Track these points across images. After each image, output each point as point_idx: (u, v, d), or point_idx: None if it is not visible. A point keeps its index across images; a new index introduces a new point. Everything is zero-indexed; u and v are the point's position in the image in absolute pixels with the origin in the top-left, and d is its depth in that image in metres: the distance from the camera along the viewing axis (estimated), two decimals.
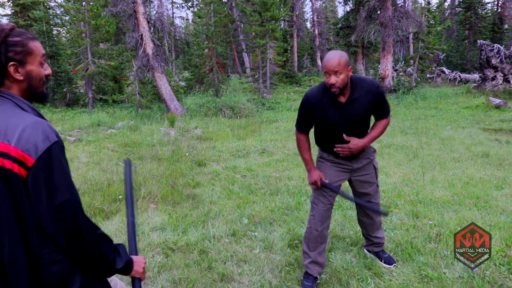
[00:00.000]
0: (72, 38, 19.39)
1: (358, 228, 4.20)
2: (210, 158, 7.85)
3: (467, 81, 22.37)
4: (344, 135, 2.94)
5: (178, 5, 52.70)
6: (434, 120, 12.25)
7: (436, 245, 3.75)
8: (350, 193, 3.38)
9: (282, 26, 32.66)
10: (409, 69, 25.23)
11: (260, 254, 3.72)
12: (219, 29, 25.28)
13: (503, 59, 18.03)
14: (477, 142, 8.55)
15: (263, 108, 17.40)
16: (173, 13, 53.57)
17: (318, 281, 3.22)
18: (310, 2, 40.80)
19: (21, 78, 1.38)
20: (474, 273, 3.21)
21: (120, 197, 5.36)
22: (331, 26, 39.86)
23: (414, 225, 4.26)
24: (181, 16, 58.39)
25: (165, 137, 10.24)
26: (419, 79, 21.90)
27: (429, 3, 24.75)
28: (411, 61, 23.74)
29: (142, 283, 1.63)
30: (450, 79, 23.60)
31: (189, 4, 47.73)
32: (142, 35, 14.95)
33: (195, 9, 33.81)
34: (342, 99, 2.90)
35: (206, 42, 23.43)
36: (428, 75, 23.77)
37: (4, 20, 33.50)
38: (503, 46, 20.93)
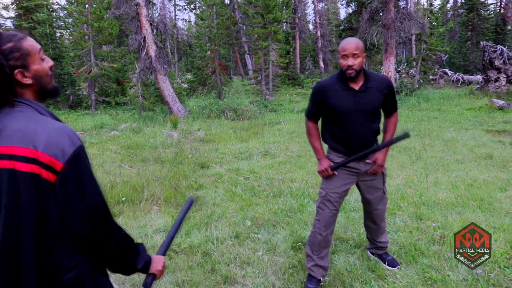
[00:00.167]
0: (75, 40, 19.46)
1: (362, 230, 4.19)
2: (213, 160, 7.86)
3: (470, 83, 22.32)
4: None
5: (181, 8, 52.79)
6: (437, 121, 12.22)
7: (440, 247, 3.74)
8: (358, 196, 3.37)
9: (284, 28, 32.72)
10: (411, 70, 25.20)
11: (264, 256, 3.72)
12: (222, 31, 25.33)
13: (506, 60, 17.98)
14: (481, 144, 8.53)
15: (266, 110, 17.41)
16: (175, 15, 53.63)
17: (321, 284, 3.21)
18: (313, 4, 40.81)
19: (30, 81, 1.37)
20: (478, 276, 3.20)
21: (123, 199, 5.36)
22: (333, 28, 39.85)
23: (417, 227, 4.25)
24: (183, 19, 58.60)
25: (168, 139, 10.25)
26: (421, 81, 21.86)
27: (431, 4, 24.75)
28: (414, 63, 23.69)
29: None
30: (453, 81, 23.56)
31: (192, 6, 47.83)
32: (145, 37, 14.98)
33: (198, 11, 33.88)
34: (355, 87, 2.93)
35: (209, 44, 23.48)
36: (430, 77, 23.73)
37: (8, 23, 33.62)
38: (506, 47, 20.87)
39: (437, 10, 27.47)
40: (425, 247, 3.76)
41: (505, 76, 17.89)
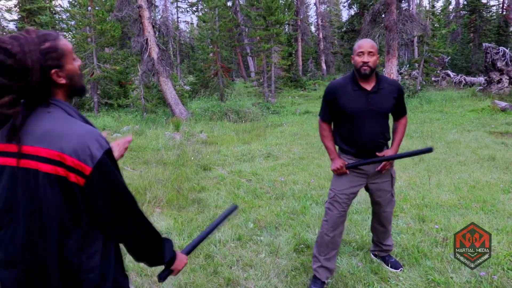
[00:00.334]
0: (78, 42, 19.48)
1: (364, 232, 4.19)
2: (215, 163, 7.86)
3: (472, 84, 22.27)
4: (377, 153, 3.00)
5: (183, 10, 52.85)
6: (439, 123, 12.20)
7: (443, 250, 3.73)
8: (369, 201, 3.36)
9: (286, 30, 32.76)
10: (414, 72, 25.16)
11: (266, 259, 3.71)
12: (224, 33, 25.38)
13: (509, 62, 17.94)
14: (483, 146, 8.51)
15: (268, 112, 17.41)
16: (178, 17, 53.75)
17: (325, 286, 3.21)
18: (315, 6, 40.85)
19: (64, 81, 1.38)
20: (482, 278, 3.19)
21: None
22: (335, 30, 39.97)
23: (420, 229, 4.24)
24: (186, 21, 58.70)
25: (170, 141, 10.26)
26: (424, 83, 21.84)
27: (433, 6, 24.76)
28: (416, 65, 23.68)
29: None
30: (455, 82, 23.52)
31: (194, 8, 47.91)
32: (147, 39, 15.01)
33: (200, 14, 33.96)
34: (367, 87, 2.96)
35: (211, 46, 23.51)
36: (433, 79, 23.69)
37: (11, 26, 33.74)
38: (509, 48, 20.81)
39: (439, 11, 27.42)
40: (428, 249, 3.76)
41: (508, 78, 17.85)
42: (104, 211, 1.33)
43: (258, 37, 22.60)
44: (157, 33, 15.83)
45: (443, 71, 25.02)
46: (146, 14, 14.92)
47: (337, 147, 3.23)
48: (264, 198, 5.60)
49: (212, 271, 3.51)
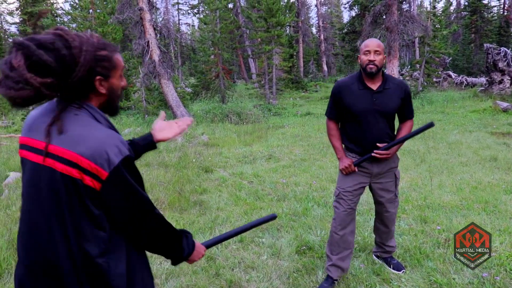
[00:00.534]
0: None
1: (366, 233, 4.19)
2: (217, 164, 7.86)
3: (473, 85, 22.24)
4: (378, 144, 2.97)
5: (184, 12, 52.99)
6: (441, 124, 12.19)
7: (445, 251, 3.72)
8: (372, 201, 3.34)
9: (287, 31, 32.75)
10: (415, 73, 25.14)
11: (268, 261, 3.71)
12: (225, 35, 25.40)
13: (510, 62, 17.91)
14: (485, 146, 8.50)
15: (270, 114, 17.41)
16: (179, 19, 53.87)
17: (335, 283, 3.20)
18: (316, 8, 40.90)
19: (104, 91, 1.41)
20: (484, 279, 3.18)
21: None
22: (336, 31, 39.94)
23: (422, 230, 4.24)
24: (187, 23, 58.74)
25: (171, 143, 10.27)
26: (425, 84, 21.82)
27: (434, 7, 24.70)
28: (417, 66, 23.65)
29: None
30: (456, 83, 23.49)
31: (195, 10, 47.99)
32: (148, 42, 15.03)
33: (201, 16, 33.96)
34: (373, 86, 2.97)
35: (212, 48, 23.52)
36: (434, 79, 23.68)
37: (13, 29, 33.85)
38: (510, 49, 20.78)
39: (440, 12, 27.40)
40: (430, 250, 3.75)
41: (509, 78, 17.82)
42: (120, 216, 1.35)
43: (259, 39, 22.61)
44: (158, 35, 15.85)
45: (445, 72, 25.00)
46: (147, 16, 14.94)
47: (343, 146, 3.24)
48: (265, 200, 5.59)
49: (214, 273, 3.51)
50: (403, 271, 3.39)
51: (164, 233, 1.50)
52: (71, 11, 21.17)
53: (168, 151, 9.17)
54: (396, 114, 3.11)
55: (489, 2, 33.84)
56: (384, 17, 19.22)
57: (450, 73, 25.03)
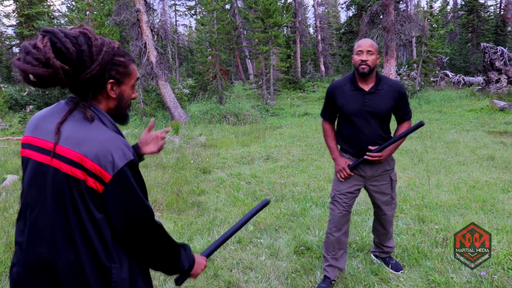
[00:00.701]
0: None
1: (364, 233, 4.19)
2: (215, 165, 7.86)
3: (471, 84, 22.31)
4: (370, 146, 2.96)
5: (181, 13, 53.05)
6: (438, 123, 12.21)
7: (443, 250, 3.73)
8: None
9: (285, 32, 32.81)
10: (412, 73, 25.20)
11: (266, 261, 3.71)
12: (222, 36, 25.40)
13: (507, 61, 17.98)
14: (482, 145, 8.52)
15: (267, 114, 17.41)
16: (176, 21, 53.84)
17: (333, 283, 3.21)
18: (313, 8, 40.92)
19: (114, 96, 1.43)
20: (482, 278, 3.19)
21: None
22: (333, 31, 39.99)
23: (420, 230, 4.24)
24: (184, 24, 58.70)
25: (169, 144, 10.26)
26: (422, 83, 21.87)
27: (431, 7, 24.76)
28: (415, 65, 23.72)
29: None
30: (453, 82, 23.56)
31: (192, 12, 48.02)
32: (145, 43, 15.02)
33: (198, 17, 33.97)
34: (365, 87, 2.95)
35: (210, 49, 23.53)
36: (431, 79, 23.73)
37: (10, 31, 33.81)
38: (507, 48, 20.86)
39: (437, 12, 27.49)
40: (428, 250, 3.76)
41: (506, 77, 17.88)
42: (118, 222, 1.33)
43: (256, 40, 22.63)
44: (155, 36, 15.84)
45: (442, 71, 25.07)
46: (144, 18, 14.94)
47: (338, 146, 3.24)
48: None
49: (212, 274, 3.51)
50: (401, 272, 3.39)
51: (163, 244, 1.47)
52: (68, 13, 21.15)
53: (166, 153, 9.17)
54: (391, 116, 3.10)
55: (485, 2, 33.91)
56: (381, 17, 19.25)
57: (447, 72, 25.10)
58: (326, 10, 52.12)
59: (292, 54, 31.72)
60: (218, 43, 22.80)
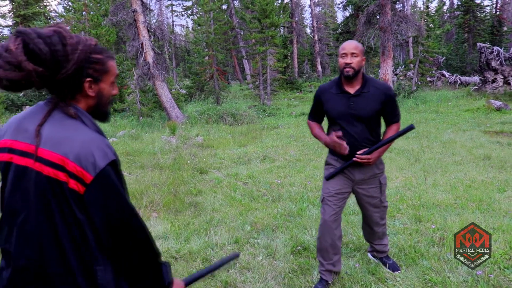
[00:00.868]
0: None
1: (361, 233, 4.19)
2: (212, 166, 7.85)
3: (467, 84, 22.36)
4: (357, 153, 2.91)
5: (178, 14, 52.92)
6: (435, 123, 12.24)
7: (440, 249, 3.74)
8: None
9: (281, 32, 32.84)
10: (409, 73, 25.24)
11: (263, 261, 3.71)
12: (219, 36, 25.40)
13: (503, 61, 18.04)
14: (479, 145, 8.54)
15: (264, 114, 17.42)
16: (173, 21, 53.79)
17: (330, 283, 3.21)
18: (310, 8, 40.95)
19: (92, 94, 1.40)
20: (478, 277, 3.19)
21: None
22: (330, 31, 39.98)
23: (417, 230, 4.25)
24: (181, 24, 58.67)
25: (166, 145, 10.25)
26: (419, 83, 21.91)
27: (428, 7, 24.80)
28: (411, 65, 23.74)
29: None
30: (450, 82, 23.61)
31: (189, 12, 47.99)
32: (142, 43, 15.01)
33: (195, 17, 33.96)
34: (351, 90, 2.94)
35: (206, 49, 23.52)
36: (428, 79, 23.78)
37: (6, 31, 33.70)
38: (503, 48, 20.90)
39: (434, 12, 27.54)
40: (424, 249, 3.76)
41: (502, 77, 17.94)
42: (100, 224, 1.29)
43: (253, 40, 22.62)
44: (152, 37, 15.83)
45: (438, 71, 25.12)
46: (141, 18, 14.92)
47: (328, 150, 3.22)
48: (260, 200, 5.59)
49: (209, 274, 3.50)
50: (398, 272, 3.38)
51: (146, 246, 1.41)
52: (64, 14, 21.10)
53: (162, 153, 9.16)
54: (380, 119, 3.07)
55: (481, 2, 34.08)
56: (377, 17, 19.28)
57: (444, 72, 25.16)
58: (323, 10, 52.15)
59: (289, 54, 31.71)
60: (215, 44, 22.79)
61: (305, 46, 41.51)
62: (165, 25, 46.60)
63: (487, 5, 35.87)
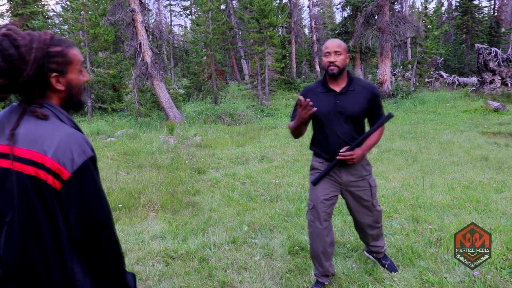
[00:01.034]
0: None
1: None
2: (210, 166, 7.85)
3: (465, 85, 22.41)
4: (340, 151, 2.84)
5: (177, 13, 52.86)
6: (432, 124, 12.26)
7: (437, 250, 3.74)
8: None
9: (280, 32, 32.78)
10: (407, 73, 25.29)
11: (261, 261, 3.71)
12: (218, 36, 25.40)
13: (501, 62, 18.08)
14: (476, 146, 8.56)
15: (262, 114, 17.42)
16: (171, 21, 53.70)
17: (326, 284, 3.21)
18: (308, 9, 40.94)
19: (62, 88, 1.38)
20: (475, 277, 3.20)
21: (120, 205, 5.35)
22: (329, 32, 39.98)
23: (414, 230, 4.25)
24: (179, 24, 58.61)
25: (164, 145, 10.25)
26: (417, 84, 21.94)
27: (426, 8, 24.85)
28: (409, 66, 23.80)
29: None
30: (448, 83, 23.66)
31: (188, 12, 47.93)
32: (140, 43, 15.00)
33: (194, 17, 33.94)
34: (336, 88, 2.90)
35: (205, 49, 23.49)
36: (426, 80, 23.82)
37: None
38: (501, 49, 20.98)
39: (432, 13, 27.56)
40: (422, 250, 3.77)
41: (500, 78, 17.98)
42: (74, 221, 1.28)
43: (251, 40, 22.63)
44: (150, 36, 15.82)
45: (436, 72, 25.18)
46: (139, 18, 14.91)
47: (312, 152, 3.16)
48: (258, 200, 5.59)
49: (207, 274, 3.51)
50: (395, 272, 3.38)
51: (114, 255, 1.39)
52: (62, 13, 21.06)
53: (160, 153, 9.15)
54: (365, 120, 3.03)
55: (480, 3, 34.14)
56: (376, 17, 19.31)
57: (442, 73, 25.21)
58: (321, 10, 52.17)
59: (287, 54, 31.73)
60: (213, 43, 22.78)
61: (304, 46, 41.48)
62: (164, 25, 46.56)
63: (485, 6, 35.92)
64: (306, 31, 47.48)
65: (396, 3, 20.67)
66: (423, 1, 25.49)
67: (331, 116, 2.89)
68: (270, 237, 4.28)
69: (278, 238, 4.22)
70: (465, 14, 33.25)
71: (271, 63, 21.69)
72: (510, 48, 30.15)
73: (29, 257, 1.30)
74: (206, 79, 22.89)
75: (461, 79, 23.70)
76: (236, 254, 3.89)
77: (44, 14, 26.91)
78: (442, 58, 28.47)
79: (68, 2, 20.99)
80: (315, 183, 3.03)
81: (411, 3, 49.32)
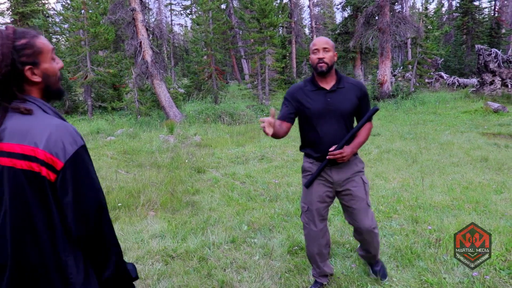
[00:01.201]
0: (71, 46, 19.43)
1: None
2: (209, 165, 7.85)
3: (465, 86, 22.41)
4: (330, 150, 2.77)
5: (177, 13, 52.86)
6: (432, 125, 12.26)
7: (436, 250, 3.74)
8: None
9: (280, 32, 32.78)
10: (407, 74, 25.29)
11: (260, 261, 3.71)
12: (218, 36, 25.36)
13: (501, 63, 18.08)
14: (476, 147, 8.56)
15: (262, 114, 17.41)
16: (171, 20, 53.69)
17: (325, 284, 3.22)
18: (309, 9, 40.95)
19: (38, 79, 1.37)
20: (474, 278, 3.20)
21: (119, 204, 5.36)
22: (329, 32, 39.97)
23: (413, 230, 4.26)
24: (180, 24, 58.58)
25: (164, 144, 10.25)
26: (417, 84, 21.94)
27: (426, 8, 24.86)
28: (410, 66, 23.80)
29: None
30: (448, 84, 23.66)
31: (188, 11, 47.90)
32: (141, 42, 15.00)
33: (194, 16, 33.93)
34: (326, 86, 2.86)
35: (205, 49, 23.49)
36: (426, 80, 23.82)
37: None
38: (501, 50, 20.98)
39: (432, 14, 27.59)
40: (421, 250, 3.77)
41: (500, 79, 17.98)
42: (69, 210, 1.29)
43: (252, 40, 22.63)
44: (150, 36, 15.82)
45: (437, 73, 25.18)
46: (139, 17, 14.91)
47: (304, 153, 3.12)
48: (258, 200, 5.60)
49: (206, 273, 3.51)
50: (386, 279, 3.28)
51: (111, 238, 1.40)
52: (62, 12, 21.05)
53: (160, 152, 9.16)
54: (354, 118, 2.99)
55: (480, 4, 34.09)
56: (376, 18, 19.31)
57: (442, 74, 25.21)
58: (321, 10, 52.18)
59: (288, 54, 31.74)
60: (213, 43, 22.77)
61: (304, 46, 41.44)
62: (164, 24, 46.55)
63: (486, 7, 35.89)
64: (307, 31, 47.49)
65: (396, 3, 20.68)
66: (423, 1, 25.52)
67: (322, 114, 2.84)
68: (269, 236, 4.28)
69: (277, 238, 4.23)
70: (465, 15, 33.24)
71: (271, 63, 21.69)
72: (511, 49, 30.20)
73: (23, 251, 1.30)
74: (206, 78, 22.89)
75: (461, 80, 23.71)
76: (235, 253, 3.90)
77: (45, 12, 26.93)
78: (442, 59, 28.47)
79: (68, 1, 21.01)
80: (307, 185, 2.98)
81: (411, 4, 49.34)
